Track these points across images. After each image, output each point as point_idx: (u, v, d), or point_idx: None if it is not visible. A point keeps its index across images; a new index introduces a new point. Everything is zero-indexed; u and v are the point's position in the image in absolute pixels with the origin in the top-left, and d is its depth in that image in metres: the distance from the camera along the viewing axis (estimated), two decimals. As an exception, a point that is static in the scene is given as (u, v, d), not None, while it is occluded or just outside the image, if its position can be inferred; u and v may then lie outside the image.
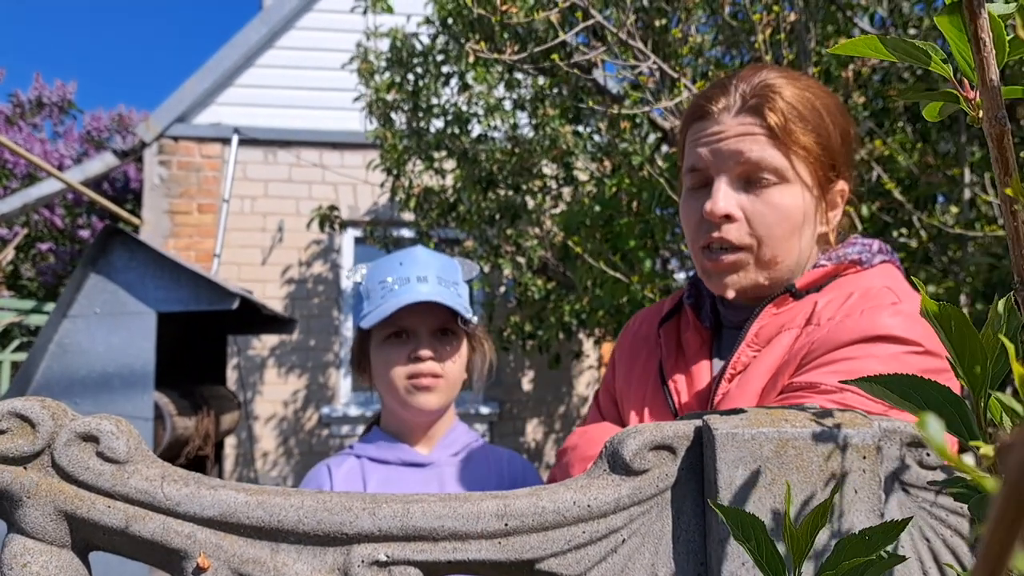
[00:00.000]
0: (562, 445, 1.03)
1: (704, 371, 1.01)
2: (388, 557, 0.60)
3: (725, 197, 0.92)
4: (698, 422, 0.64)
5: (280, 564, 0.60)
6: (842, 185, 0.98)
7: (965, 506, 0.62)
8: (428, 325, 1.22)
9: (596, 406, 1.15)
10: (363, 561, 0.60)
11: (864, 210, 2.37)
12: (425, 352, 1.20)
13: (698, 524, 0.63)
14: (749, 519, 0.52)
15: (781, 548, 0.52)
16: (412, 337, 1.22)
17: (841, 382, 0.59)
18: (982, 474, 0.33)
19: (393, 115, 4.39)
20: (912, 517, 0.53)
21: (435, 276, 1.21)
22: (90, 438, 0.62)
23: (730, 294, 0.96)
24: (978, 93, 0.45)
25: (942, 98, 0.50)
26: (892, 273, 0.97)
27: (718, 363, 1.01)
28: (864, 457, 0.59)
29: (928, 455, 0.62)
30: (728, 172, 0.93)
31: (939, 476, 0.62)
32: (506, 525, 0.61)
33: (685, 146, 1.00)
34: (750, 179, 0.92)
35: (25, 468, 0.62)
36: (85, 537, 0.62)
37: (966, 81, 0.48)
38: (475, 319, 1.24)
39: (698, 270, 1.00)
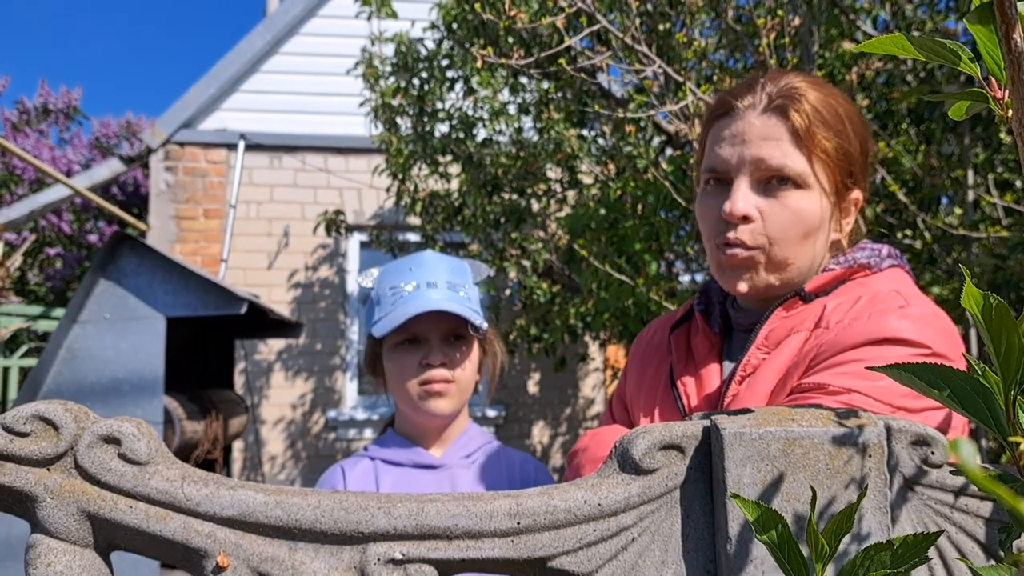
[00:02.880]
0: (573, 447, 1.05)
1: (714, 374, 1.02)
2: (403, 555, 0.62)
3: (744, 198, 0.93)
4: (706, 422, 0.65)
5: (298, 562, 0.62)
6: (857, 194, 0.99)
7: (969, 503, 0.63)
8: (439, 331, 1.23)
9: (609, 412, 1.17)
10: (379, 559, 0.61)
11: (868, 212, 2.38)
12: (436, 359, 1.22)
13: (707, 522, 0.64)
14: (770, 513, 0.52)
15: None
16: (424, 343, 1.23)
17: (870, 368, 0.58)
18: (1017, 498, 0.33)
19: (398, 120, 4.41)
20: (942, 531, 0.53)
21: (445, 281, 1.22)
22: (112, 440, 0.64)
23: (742, 288, 0.96)
24: (1007, 92, 0.46)
25: (970, 97, 0.51)
26: (901, 277, 0.98)
27: (728, 367, 1.03)
28: (871, 456, 0.61)
29: (933, 453, 0.63)
30: (748, 174, 0.94)
31: (944, 474, 0.63)
32: (518, 524, 0.62)
33: (707, 142, 1.00)
34: (770, 182, 0.93)
35: (48, 470, 0.63)
36: (107, 537, 0.64)
37: (994, 80, 0.48)
38: (485, 324, 1.25)
39: (712, 267, 1.00)
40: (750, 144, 0.93)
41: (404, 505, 0.63)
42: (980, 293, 0.48)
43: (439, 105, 4.22)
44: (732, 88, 1.00)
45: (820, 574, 0.51)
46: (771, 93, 0.94)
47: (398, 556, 0.62)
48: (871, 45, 0.52)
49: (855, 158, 0.96)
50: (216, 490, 0.63)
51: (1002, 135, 2.35)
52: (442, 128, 4.40)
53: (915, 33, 2.56)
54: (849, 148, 0.95)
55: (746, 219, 0.93)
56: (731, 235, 0.94)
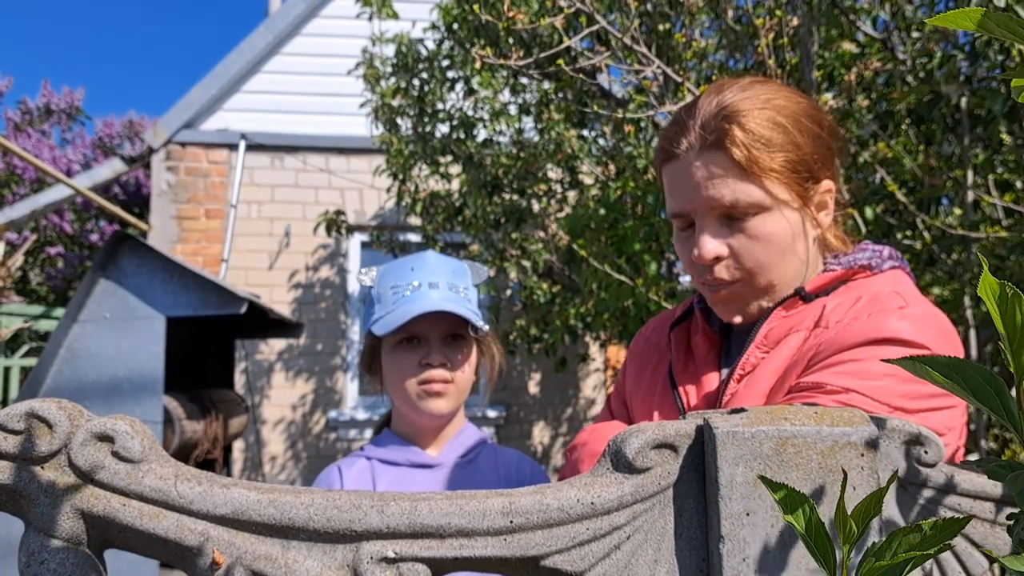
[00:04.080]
0: (572, 442, 1.05)
1: (713, 373, 1.02)
2: (396, 554, 0.62)
3: (709, 242, 0.95)
4: (699, 421, 0.65)
5: (291, 560, 0.62)
6: (826, 184, 0.98)
7: (962, 503, 0.63)
8: (439, 331, 1.23)
9: (607, 408, 1.17)
10: (372, 558, 0.61)
11: (868, 212, 2.38)
12: (437, 359, 1.22)
13: (700, 521, 0.64)
14: (798, 496, 0.52)
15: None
16: (423, 343, 1.23)
17: (888, 360, 0.58)
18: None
19: (399, 120, 4.42)
20: (972, 517, 0.53)
21: (446, 282, 1.23)
22: (105, 438, 0.64)
23: (736, 320, 1.00)
24: None
25: None
26: (901, 279, 0.98)
27: (727, 366, 1.03)
28: (862, 455, 0.60)
29: (927, 453, 0.63)
30: (707, 215, 0.95)
31: (938, 473, 0.63)
32: (511, 522, 0.62)
33: (663, 186, 1.02)
34: (731, 216, 0.94)
35: (43, 467, 0.63)
36: (101, 535, 0.64)
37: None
38: (486, 326, 1.25)
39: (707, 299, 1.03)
40: (699, 188, 0.94)
41: (397, 504, 0.63)
42: (996, 281, 0.48)
43: (439, 106, 4.22)
44: (667, 131, 1.00)
45: (847, 556, 0.51)
46: (704, 128, 0.93)
47: (391, 555, 0.62)
48: (943, 19, 0.51)
49: (809, 159, 0.95)
50: (209, 488, 0.63)
51: (1002, 135, 2.34)
52: (442, 128, 4.40)
53: (915, 34, 2.55)
54: (799, 152, 0.93)
55: (717, 259, 0.95)
56: (709, 277, 0.97)
